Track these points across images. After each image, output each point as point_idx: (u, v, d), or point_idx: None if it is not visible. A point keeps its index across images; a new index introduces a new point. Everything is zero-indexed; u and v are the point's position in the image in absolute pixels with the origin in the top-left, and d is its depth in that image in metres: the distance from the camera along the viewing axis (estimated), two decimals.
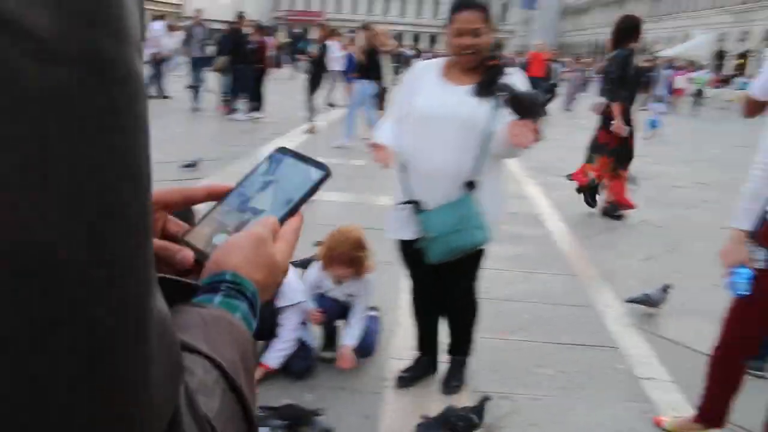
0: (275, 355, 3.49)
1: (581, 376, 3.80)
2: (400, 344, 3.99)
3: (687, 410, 3.48)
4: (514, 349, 4.08)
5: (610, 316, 4.69)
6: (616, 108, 6.92)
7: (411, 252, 3.31)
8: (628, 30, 7.00)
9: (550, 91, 30.72)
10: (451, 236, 3.08)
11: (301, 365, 3.57)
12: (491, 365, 3.84)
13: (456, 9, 3.09)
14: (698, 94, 27.58)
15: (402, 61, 32.88)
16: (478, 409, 3.15)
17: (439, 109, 3.08)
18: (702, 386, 3.21)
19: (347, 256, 3.49)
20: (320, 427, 3.06)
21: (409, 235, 3.26)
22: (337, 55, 16.68)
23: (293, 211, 0.72)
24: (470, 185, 3.09)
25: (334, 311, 3.77)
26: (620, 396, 3.64)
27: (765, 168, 2.88)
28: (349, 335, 3.64)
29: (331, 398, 3.39)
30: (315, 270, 3.70)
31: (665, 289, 4.81)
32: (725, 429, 3.29)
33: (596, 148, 7.42)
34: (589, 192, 7.62)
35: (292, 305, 3.51)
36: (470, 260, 3.29)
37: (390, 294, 4.53)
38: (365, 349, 3.77)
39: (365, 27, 11.78)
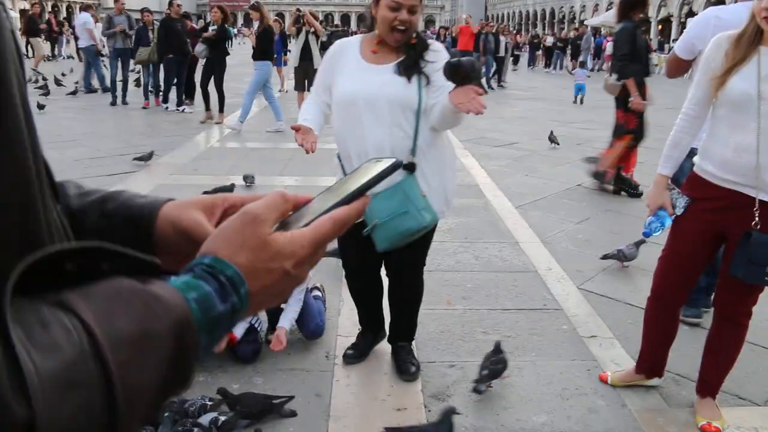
0: (289, 317, 3.67)
1: (527, 340, 3.86)
2: (346, 322, 3.98)
3: (629, 363, 3.58)
4: (459, 317, 4.12)
5: (552, 279, 4.78)
6: (630, 84, 6.62)
7: (357, 239, 3.15)
8: (633, 2, 6.75)
9: (516, 61, 31.21)
10: (397, 220, 2.98)
11: (247, 349, 3.54)
12: (437, 335, 3.87)
13: None
14: None
15: (333, 42, 33.13)
16: (444, 423, 2.79)
17: (365, 90, 2.96)
18: (640, 338, 3.31)
19: None
20: (285, 413, 3.05)
21: None
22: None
23: (348, 198, 0.68)
24: (409, 167, 2.99)
25: None
26: (566, 355, 3.71)
27: (685, 117, 2.99)
28: (284, 318, 3.65)
29: (281, 379, 3.38)
30: None
31: (638, 244, 4.99)
32: (664, 377, 3.40)
33: (615, 129, 7.12)
34: (621, 181, 7.32)
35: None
36: (417, 244, 3.18)
37: (334, 272, 4.52)
38: (314, 331, 3.77)
39: (254, 7, 11.34)
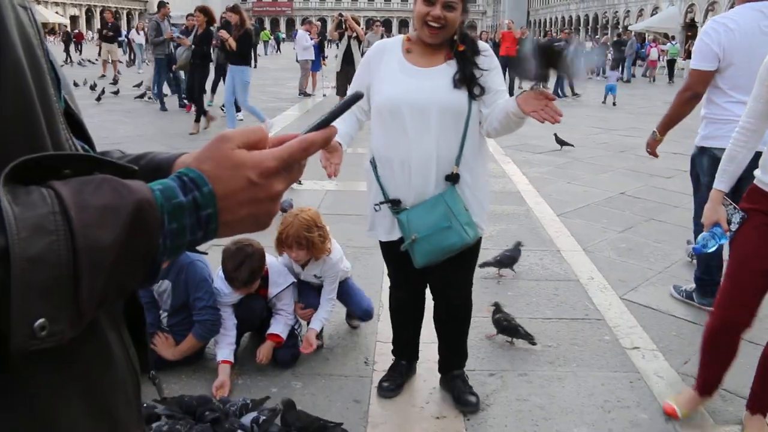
0: (283, 329, 3.60)
1: (568, 350, 3.81)
2: (385, 327, 3.97)
3: (672, 376, 3.51)
4: None
5: (594, 288, 4.71)
6: None
7: (395, 254, 2.99)
8: None
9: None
10: (439, 235, 2.80)
11: (286, 354, 3.56)
12: (477, 343, 3.84)
13: None
14: (671, 64, 28.74)
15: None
16: None
17: (412, 95, 2.75)
18: (699, 357, 3.18)
19: (297, 237, 3.48)
20: None
21: (391, 236, 2.97)
22: (306, 45, 16.67)
23: (320, 124, 0.81)
24: (453, 178, 2.81)
25: (313, 299, 3.79)
26: (608, 367, 3.65)
27: (742, 131, 2.88)
28: (315, 319, 3.69)
29: (320, 385, 3.39)
30: (285, 256, 3.73)
31: (517, 246, 4.98)
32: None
33: None
34: None
35: (284, 289, 3.64)
36: (461, 262, 3.00)
37: (374, 278, 4.52)
38: (367, 310, 3.95)
39: (233, 9, 10.77)
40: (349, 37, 12.02)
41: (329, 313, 3.73)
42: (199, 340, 3.50)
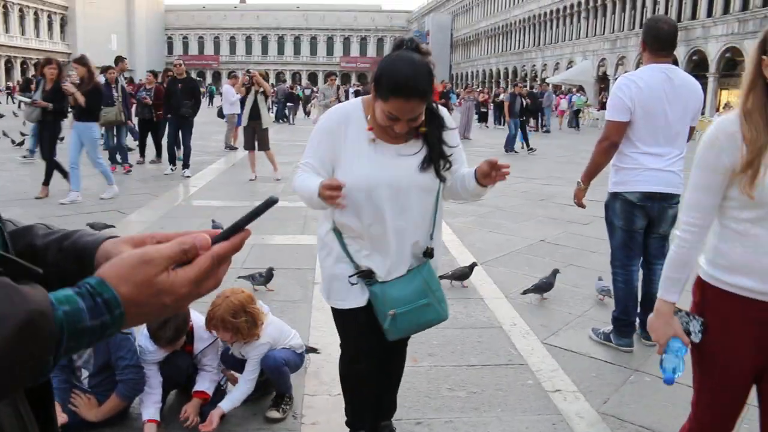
0: (209, 385, 3.56)
1: (492, 395, 3.89)
2: (312, 381, 3.98)
3: (593, 417, 3.62)
4: (425, 374, 4.14)
5: (516, 334, 4.83)
6: None
7: (359, 321, 2.88)
8: None
9: (483, 119, 32.35)
10: (418, 312, 2.76)
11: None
12: (403, 392, 3.85)
13: (393, 94, 2.50)
14: (576, 113, 32.30)
15: (296, 101, 33.33)
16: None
17: (390, 176, 2.66)
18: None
19: (222, 321, 3.39)
20: None
21: (359, 302, 2.84)
22: (232, 99, 16.73)
23: (227, 234, 0.83)
24: (429, 253, 2.82)
25: (237, 367, 3.73)
26: (531, 410, 3.74)
27: (689, 230, 2.28)
28: (228, 399, 3.53)
29: None
30: None
31: (554, 273, 5.60)
32: None
33: None
34: None
35: (209, 345, 3.60)
36: None
37: (302, 331, 4.52)
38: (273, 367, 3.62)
39: (80, 61, 10.04)
40: (256, 92, 12.13)
41: (244, 395, 3.57)
42: (122, 399, 3.43)
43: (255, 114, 12.06)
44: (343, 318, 2.94)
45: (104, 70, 13.10)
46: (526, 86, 31.28)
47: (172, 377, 3.58)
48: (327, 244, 2.86)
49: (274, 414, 3.56)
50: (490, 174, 2.63)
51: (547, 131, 29.24)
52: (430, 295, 2.75)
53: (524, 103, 19.84)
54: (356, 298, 2.82)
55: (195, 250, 0.79)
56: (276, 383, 3.67)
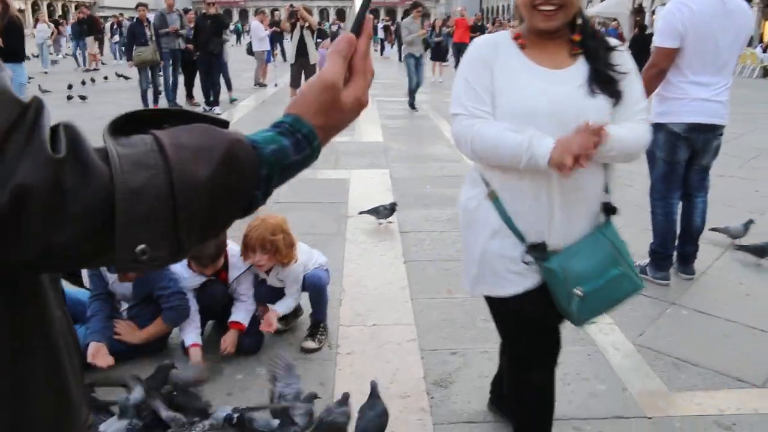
0: (245, 316, 3.59)
1: None
2: (347, 312, 4.01)
3: (629, 348, 3.61)
4: (460, 305, 4.15)
5: None
6: None
7: (526, 312, 2.28)
8: None
9: None
10: (611, 286, 2.18)
11: (251, 342, 3.58)
12: (438, 323, 3.90)
13: None
14: None
15: (325, 37, 32.52)
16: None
17: (549, 103, 2.09)
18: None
19: (261, 240, 3.44)
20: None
21: (532, 283, 2.21)
22: (261, 35, 16.57)
23: (357, 23, 0.89)
24: (611, 209, 2.23)
25: (272, 300, 3.75)
26: (566, 341, 3.69)
27: None
28: (279, 304, 3.66)
29: None
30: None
31: (748, 224, 5.31)
32: (664, 361, 3.42)
33: None
34: None
35: (243, 272, 3.63)
36: None
37: (335, 264, 4.54)
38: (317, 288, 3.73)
39: None
40: (302, 28, 11.93)
41: (293, 304, 3.71)
42: (168, 324, 3.51)
43: (302, 50, 11.92)
44: (509, 309, 2.31)
45: (137, 6, 12.66)
46: None
47: (209, 307, 3.62)
48: (478, 217, 2.27)
49: (310, 344, 3.61)
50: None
51: None
52: (621, 263, 2.18)
53: None
54: (525, 279, 2.20)
55: (351, 50, 0.87)
56: (315, 305, 3.74)
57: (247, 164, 0.75)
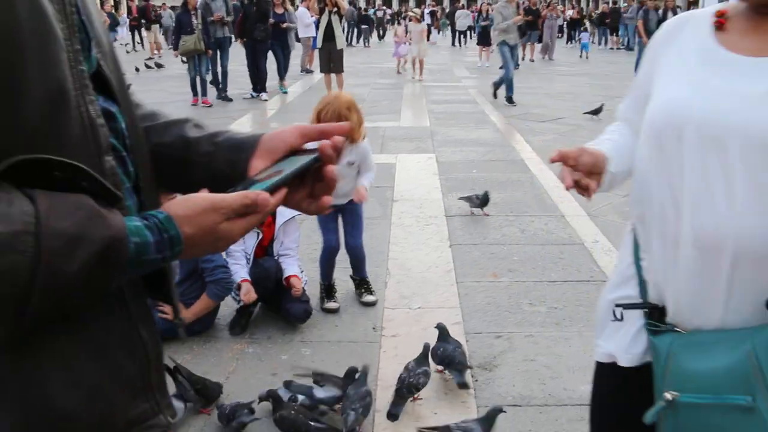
0: (296, 269, 3.74)
1: (574, 311, 3.84)
2: (392, 294, 4.02)
3: None
4: (505, 289, 4.11)
5: (598, 251, 4.73)
6: None
7: (627, 395, 1.53)
8: None
9: (570, 38, 30.33)
10: (726, 414, 1.30)
11: (300, 309, 3.64)
12: (483, 307, 3.88)
13: None
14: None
15: (370, 23, 31.36)
16: (488, 420, 2.65)
17: (706, 107, 1.31)
18: None
19: (337, 113, 3.54)
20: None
21: (630, 357, 1.49)
22: (307, 21, 16.59)
23: (279, 182, 0.85)
24: None
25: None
26: None
27: None
28: (364, 178, 3.80)
29: (329, 351, 3.43)
30: None
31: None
32: None
33: None
34: None
35: (289, 219, 3.73)
36: None
37: (380, 246, 4.56)
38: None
39: None
40: (330, 12, 11.82)
41: (372, 180, 3.87)
42: (213, 299, 3.56)
43: (329, 35, 11.86)
44: (602, 378, 1.64)
45: None
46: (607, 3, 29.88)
47: (261, 281, 3.65)
48: (622, 253, 1.59)
49: (370, 297, 3.94)
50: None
51: (631, 48, 27.85)
52: (760, 393, 1.25)
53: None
54: (621, 345, 1.50)
55: (255, 208, 0.82)
56: (357, 268, 4.01)
57: (119, 262, 0.72)
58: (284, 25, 13.03)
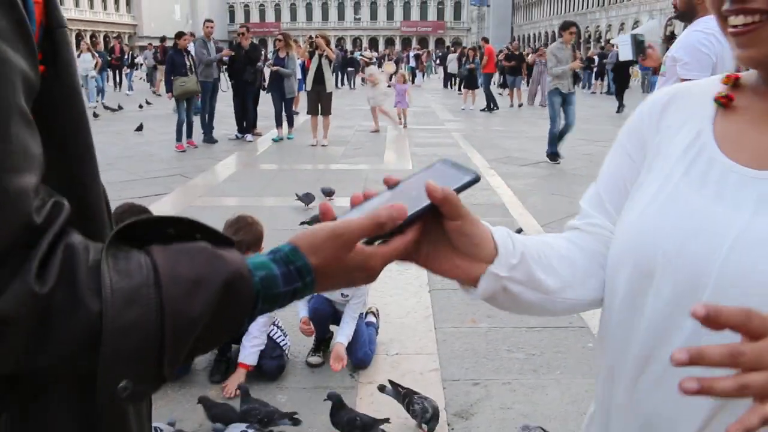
0: (248, 352, 3.53)
1: (552, 357, 3.84)
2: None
3: None
4: (484, 335, 4.12)
5: None
6: None
7: None
8: None
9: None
10: None
11: (272, 365, 3.58)
12: (461, 353, 3.87)
13: None
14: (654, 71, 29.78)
15: (355, 65, 31.95)
16: None
17: (690, 234, 0.86)
18: None
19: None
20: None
21: None
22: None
23: (421, 211, 0.81)
24: None
25: (325, 313, 3.78)
26: (591, 373, 3.68)
27: None
28: (341, 333, 3.64)
29: (305, 398, 3.40)
30: None
31: None
32: None
33: None
34: None
35: None
36: None
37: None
38: (363, 359, 3.71)
39: None
40: (320, 56, 12.10)
41: (353, 330, 3.67)
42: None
43: (319, 78, 12.10)
44: None
45: (177, 36, 12.47)
46: (590, 49, 30.36)
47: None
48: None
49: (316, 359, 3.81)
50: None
51: (611, 93, 28.32)
52: None
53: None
54: None
55: (392, 223, 0.79)
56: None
57: (244, 298, 0.72)
58: (274, 68, 12.98)
